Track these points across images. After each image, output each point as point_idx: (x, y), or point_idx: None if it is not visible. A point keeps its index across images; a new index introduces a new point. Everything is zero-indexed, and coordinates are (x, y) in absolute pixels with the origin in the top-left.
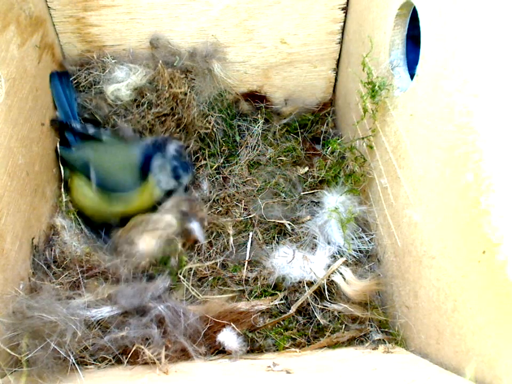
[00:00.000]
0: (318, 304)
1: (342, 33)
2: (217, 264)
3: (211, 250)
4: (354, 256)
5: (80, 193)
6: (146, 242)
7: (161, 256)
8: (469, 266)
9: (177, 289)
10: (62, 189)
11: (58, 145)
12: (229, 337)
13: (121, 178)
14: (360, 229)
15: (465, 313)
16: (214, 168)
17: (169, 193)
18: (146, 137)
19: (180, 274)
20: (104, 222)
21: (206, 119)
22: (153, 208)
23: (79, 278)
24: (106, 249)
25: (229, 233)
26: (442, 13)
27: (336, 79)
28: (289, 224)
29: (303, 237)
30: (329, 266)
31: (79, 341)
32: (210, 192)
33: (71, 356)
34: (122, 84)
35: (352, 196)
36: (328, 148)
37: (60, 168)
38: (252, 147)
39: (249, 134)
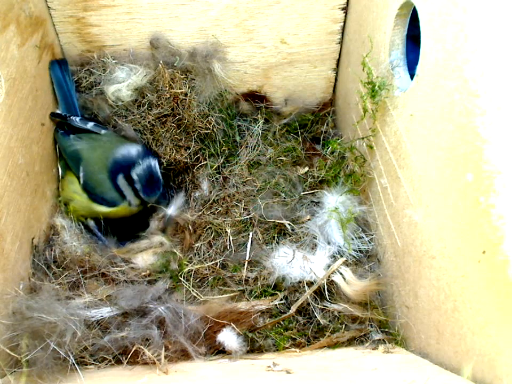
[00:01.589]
0: (318, 304)
1: (342, 33)
2: (217, 264)
3: (211, 251)
4: (354, 256)
5: (71, 190)
6: (143, 259)
7: (161, 265)
8: (469, 266)
9: (178, 290)
10: (60, 188)
11: (57, 132)
12: (229, 337)
13: (102, 191)
14: (360, 229)
15: (465, 313)
16: (214, 168)
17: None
18: (125, 144)
19: (181, 276)
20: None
21: (206, 119)
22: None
23: (79, 278)
24: (104, 249)
25: (228, 233)
26: (442, 13)
27: (336, 79)
28: (289, 224)
29: (303, 237)
30: (329, 266)
31: (79, 341)
32: (210, 192)
33: (71, 356)
34: (123, 84)
35: (352, 196)
36: (328, 148)
37: (56, 152)
38: (252, 147)
39: (249, 134)
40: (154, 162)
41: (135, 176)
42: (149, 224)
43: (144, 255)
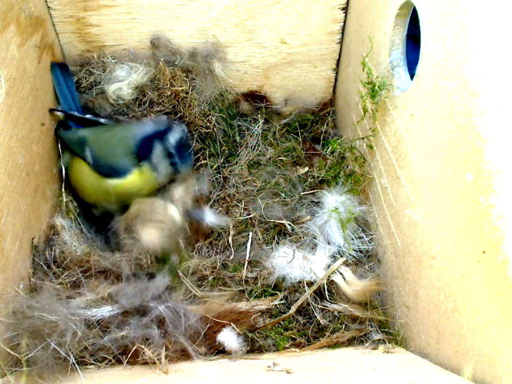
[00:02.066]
0: (318, 304)
1: (342, 33)
2: (217, 264)
3: (211, 251)
4: (354, 256)
5: (79, 175)
6: (149, 234)
7: (162, 252)
8: (469, 266)
9: (178, 288)
10: (63, 189)
11: (57, 128)
12: (229, 337)
13: (113, 161)
14: (360, 229)
15: (465, 313)
16: (214, 168)
17: (169, 182)
18: (147, 119)
19: (180, 271)
20: (103, 210)
21: (207, 119)
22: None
23: (79, 277)
24: (106, 246)
25: (229, 233)
26: (442, 13)
27: (336, 79)
28: (289, 224)
29: (303, 237)
30: (329, 266)
31: (79, 341)
32: (210, 192)
33: (71, 356)
34: (123, 82)
35: (352, 196)
36: (328, 148)
37: (58, 150)
38: (252, 147)
39: (249, 134)
40: (181, 130)
41: (172, 141)
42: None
43: (151, 230)
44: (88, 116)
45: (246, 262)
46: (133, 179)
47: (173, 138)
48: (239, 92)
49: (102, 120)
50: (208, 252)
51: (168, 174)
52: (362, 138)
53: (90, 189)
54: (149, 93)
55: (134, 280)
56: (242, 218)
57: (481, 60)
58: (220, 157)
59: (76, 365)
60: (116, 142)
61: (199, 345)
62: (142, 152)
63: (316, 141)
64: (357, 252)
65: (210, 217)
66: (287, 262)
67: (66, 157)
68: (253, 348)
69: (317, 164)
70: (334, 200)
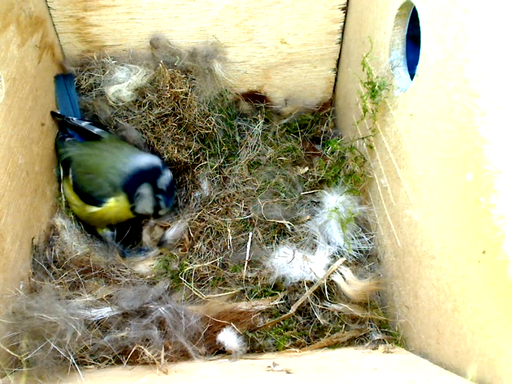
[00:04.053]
0: (318, 304)
1: (342, 33)
2: (217, 264)
3: (211, 251)
4: (354, 256)
5: (66, 192)
6: (145, 266)
7: (161, 265)
8: (469, 266)
9: (178, 289)
10: (61, 189)
11: (57, 137)
12: (229, 337)
13: (91, 189)
14: (360, 229)
15: (465, 313)
16: (214, 168)
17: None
18: (142, 153)
19: (181, 276)
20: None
21: (207, 119)
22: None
23: (79, 278)
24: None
25: (228, 233)
26: (442, 13)
27: (336, 79)
28: (289, 224)
29: (303, 237)
30: (329, 266)
31: (79, 341)
32: (210, 192)
33: (71, 356)
34: (123, 84)
35: (352, 196)
36: (328, 148)
37: (58, 157)
38: (252, 147)
39: (249, 134)
40: (171, 174)
41: (162, 186)
42: (142, 238)
43: (146, 262)
44: (83, 124)
45: (246, 262)
46: (110, 206)
47: (162, 184)
48: (239, 92)
49: (95, 131)
50: (208, 252)
51: (147, 211)
52: (362, 138)
53: (75, 209)
54: (149, 95)
55: (134, 284)
56: (242, 218)
57: (481, 59)
58: (220, 157)
59: (76, 365)
60: (97, 171)
61: (199, 345)
62: (128, 188)
63: (316, 141)
64: (357, 251)
65: (169, 235)
66: (287, 262)
67: (59, 171)
68: (253, 348)
69: (317, 164)
70: (334, 200)
